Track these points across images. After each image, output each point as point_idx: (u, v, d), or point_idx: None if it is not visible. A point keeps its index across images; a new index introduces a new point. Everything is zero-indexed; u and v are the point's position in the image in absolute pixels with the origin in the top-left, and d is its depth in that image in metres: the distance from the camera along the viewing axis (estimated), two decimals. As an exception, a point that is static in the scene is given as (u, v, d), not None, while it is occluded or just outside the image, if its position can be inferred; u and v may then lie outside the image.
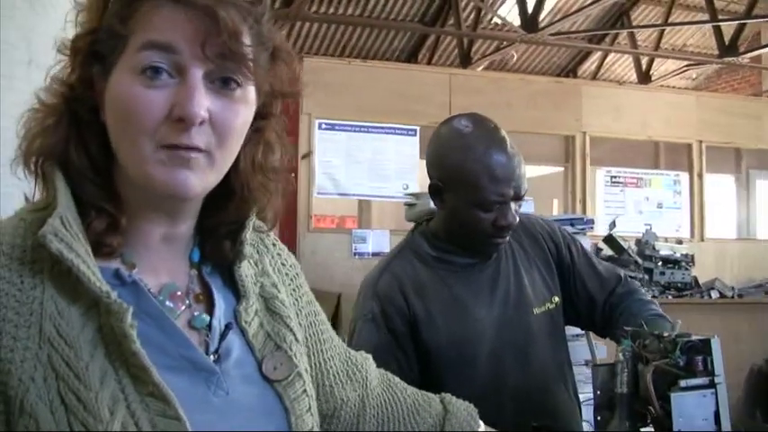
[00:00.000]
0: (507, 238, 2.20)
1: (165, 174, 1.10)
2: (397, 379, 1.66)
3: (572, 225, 4.47)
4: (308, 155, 7.57)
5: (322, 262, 7.14)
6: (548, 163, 9.36)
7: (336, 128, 7.64)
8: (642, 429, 1.91)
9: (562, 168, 9.01)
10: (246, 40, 1.12)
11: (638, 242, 6.49)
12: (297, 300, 1.41)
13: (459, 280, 2.22)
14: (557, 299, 2.31)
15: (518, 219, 2.16)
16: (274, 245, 1.43)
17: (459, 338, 2.16)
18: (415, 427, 1.59)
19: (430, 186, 2.21)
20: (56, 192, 1.12)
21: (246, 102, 1.16)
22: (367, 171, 7.37)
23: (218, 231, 1.28)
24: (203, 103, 1.09)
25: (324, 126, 7.63)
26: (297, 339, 1.31)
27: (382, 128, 7.23)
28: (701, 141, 9.19)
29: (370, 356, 1.62)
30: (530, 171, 7.51)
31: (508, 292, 2.24)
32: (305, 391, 1.28)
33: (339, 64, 8.59)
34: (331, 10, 12.61)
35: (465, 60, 13.20)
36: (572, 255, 2.37)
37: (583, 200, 8.58)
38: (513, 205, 2.12)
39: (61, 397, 1.03)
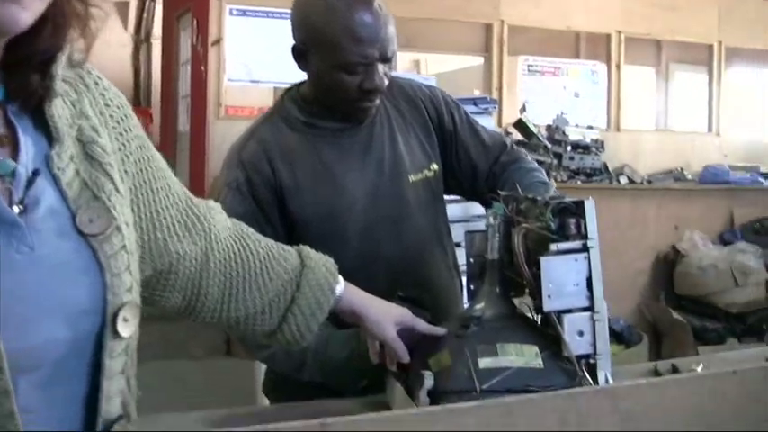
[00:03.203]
0: (376, 102, 2.06)
1: None
2: (252, 230, 1.56)
3: (475, 105, 4.33)
4: (217, 42, 7.34)
5: (232, 150, 6.94)
6: (466, 52, 9.20)
7: (248, 14, 7.40)
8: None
9: (482, 60, 8.87)
10: None
11: (549, 128, 6.44)
12: (123, 145, 1.25)
13: (330, 146, 2.08)
14: (435, 166, 2.18)
15: (387, 82, 2.02)
16: (96, 83, 1.25)
17: (329, 207, 2.04)
18: (268, 282, 1.50)
19: (293, 49, 2.05)
20: None
21: None
22: (281, 59, 7.13)
23: (27, 64, 1.12)
24: None
25: (235, 12, 7.39)
26: (118, 189, 1.17)
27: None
28: (620, 32, 9.09)
29: (217, 206, 1.51)
30: (449, 62, 7.35)
31: (382, 158, 2.11)
32: (124, 246, 1.14)
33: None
34: None
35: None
36: (455, 122, 2.24)
37: (499, 88, 8.47)
38: (380, 68, 1.98)
39: None
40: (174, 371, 4.56)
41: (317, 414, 1.78)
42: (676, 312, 6.14)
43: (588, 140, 6.47)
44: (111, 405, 1.12)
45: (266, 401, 2.27)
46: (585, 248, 1.63)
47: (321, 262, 1.58)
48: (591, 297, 1.63)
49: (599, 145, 6.48)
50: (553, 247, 1.62)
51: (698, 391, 1.37)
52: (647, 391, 1.31)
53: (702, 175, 7.49)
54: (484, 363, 1.61)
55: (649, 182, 7.50)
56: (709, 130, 9.93)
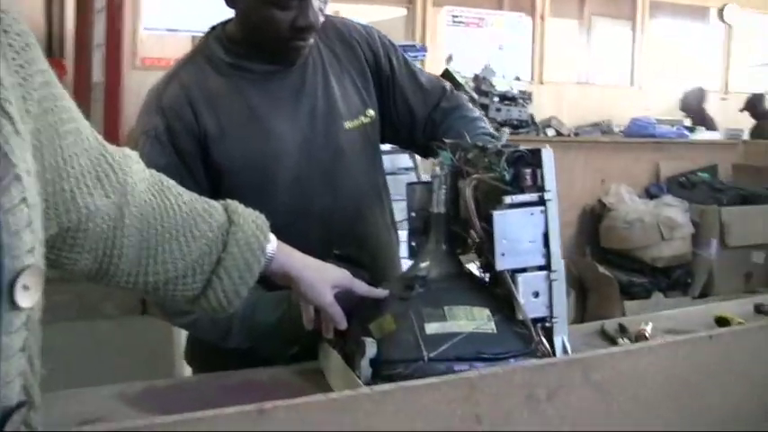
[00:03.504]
0: (310, 41, 1.87)
1: None
2: (172, 182, 1.38)
3: (405, 52, 4.17)
4: (134, -15, 7.06)
5: (149, 101, 6.70)
6: (388, 3, 9.00)
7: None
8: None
9: (405, 11, 8.67)
10: None
11: (476, 78, 6.29)
12: (24, 79, 1.03)
13: (258, 90, 1.89)
14: (372, 112, 2.01)
15: (322, 19, 1.85)
16: None
17: (257, 157, 1.85)
18: (191, 241, 1.32)
19: None
20: None
21: None
22: (200, 6, 6.87)
23: None
24: None
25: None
26: (17, 131, 0.97)
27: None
28: (545, -17, 9.01)
29: (134, 155, 1.32)
30: (371, 14, 7.18)
31: (315, 103, 1.93)
32: (24, 199, 0.94)
33: None
34: None
35: None
36: (392, 64, 2.07)
37: (423, 40, 8.29)
38: (315, 2, 1.80)
39: None
40: (89, 332, 4.36)
41: (244, 385, 1.63)
42: (602, 267, 6.08)
43: (515, 92, 6.34)
44: (9, 390, 0.93)
45: (185, 364, 2.11)
46: (542, 201, 1.48)
47: (250, 218, 1.41)
48: (547, 255, 1.48)
49: (526, 96, 6.36)
50: (507, 199, 1.47)
51: (673, 358, 1.24)
52: (620, 360, 1.18)
53: (628, 128, 7.42)
54: (431, 328, 1.45)
55: (576, 134, 7.43)
56: (632, 84, 9.93)
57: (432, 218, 1.64)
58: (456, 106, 2.10)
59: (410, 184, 1.78)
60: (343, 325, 1.55)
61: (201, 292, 1.35)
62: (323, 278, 1.52)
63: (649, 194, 6.64)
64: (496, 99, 6.23)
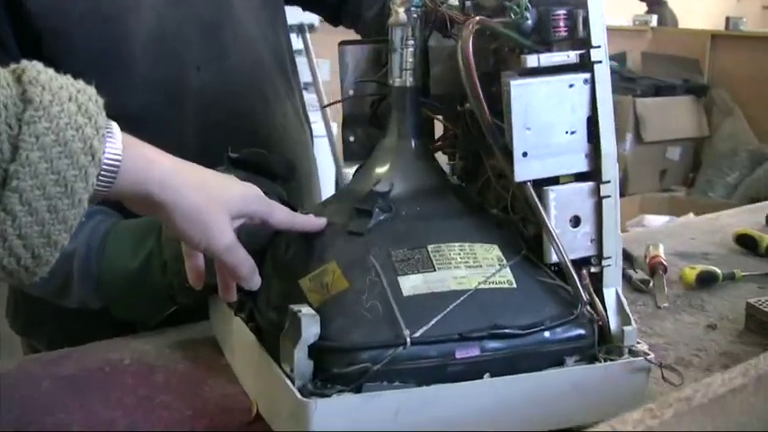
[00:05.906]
0: None
1: None
2: None
3: None
4: None
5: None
6: None
7: None
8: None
9: None
10: None
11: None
12: None
13: None
14: None
15: None
16: None
17: (98, 7, 1.18)
18: None
19: None
20: None
21: None
22: None
23: None
24: None
25: None
26: None
27: None
28: None
29: None
30: None
31: None
32: None
33: None
34: None
35: None
36: None
37: None
38: None
39: None
40: None
41: (90, 375, 0.99)
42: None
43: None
44: None
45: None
46: (587, 65, 0.88)
47: (66, 94, 0.72)
48: (595, 154, 0.89)
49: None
50: (530, 60, 0.86)
51: None
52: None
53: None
54: (410, 284, 0.84)
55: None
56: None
57: (392, 95, 1.00)
58: None
59: (344, 44, 1.13)
60: (252, 282, 0.91)
61: None
62: (214, 202, 0.85)
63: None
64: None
